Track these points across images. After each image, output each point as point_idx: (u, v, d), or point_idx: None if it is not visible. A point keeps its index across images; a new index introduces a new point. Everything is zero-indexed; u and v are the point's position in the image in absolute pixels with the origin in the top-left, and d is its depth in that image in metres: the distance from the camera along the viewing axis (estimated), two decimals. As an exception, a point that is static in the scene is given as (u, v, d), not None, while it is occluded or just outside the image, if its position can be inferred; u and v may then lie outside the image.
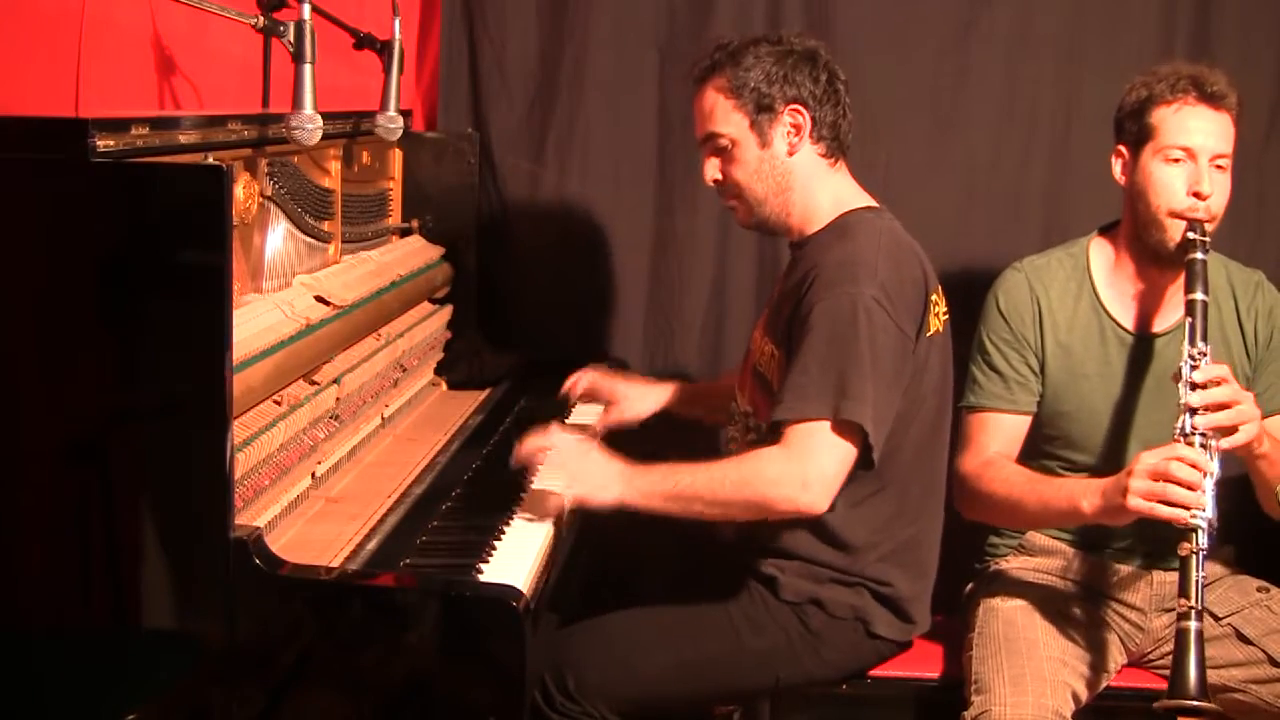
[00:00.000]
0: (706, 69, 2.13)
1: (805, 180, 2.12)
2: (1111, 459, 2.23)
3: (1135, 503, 1.95)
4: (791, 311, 2.04)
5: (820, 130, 2.11)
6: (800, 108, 2.09)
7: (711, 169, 2.15)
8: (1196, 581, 1.90)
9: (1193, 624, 1.89)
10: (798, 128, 2.10)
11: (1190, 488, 1.92)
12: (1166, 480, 1.93)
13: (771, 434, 2.01)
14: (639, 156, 2.95)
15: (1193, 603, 1.89)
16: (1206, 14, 2.83)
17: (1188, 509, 1.92)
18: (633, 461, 2.06)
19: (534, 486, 2.12)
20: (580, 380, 2.54)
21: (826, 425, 1.94)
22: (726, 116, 2.10)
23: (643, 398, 2.49)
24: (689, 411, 2.51)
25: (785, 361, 2.04)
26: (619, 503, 2.02)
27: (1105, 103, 2.76)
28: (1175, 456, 1.94)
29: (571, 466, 2.08)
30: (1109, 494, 2.00)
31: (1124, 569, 2.28)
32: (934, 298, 2.09)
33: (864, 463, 1.97)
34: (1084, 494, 2.05)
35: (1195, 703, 1.86)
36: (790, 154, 2.10)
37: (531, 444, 2.14)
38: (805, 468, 1.94)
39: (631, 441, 2.29)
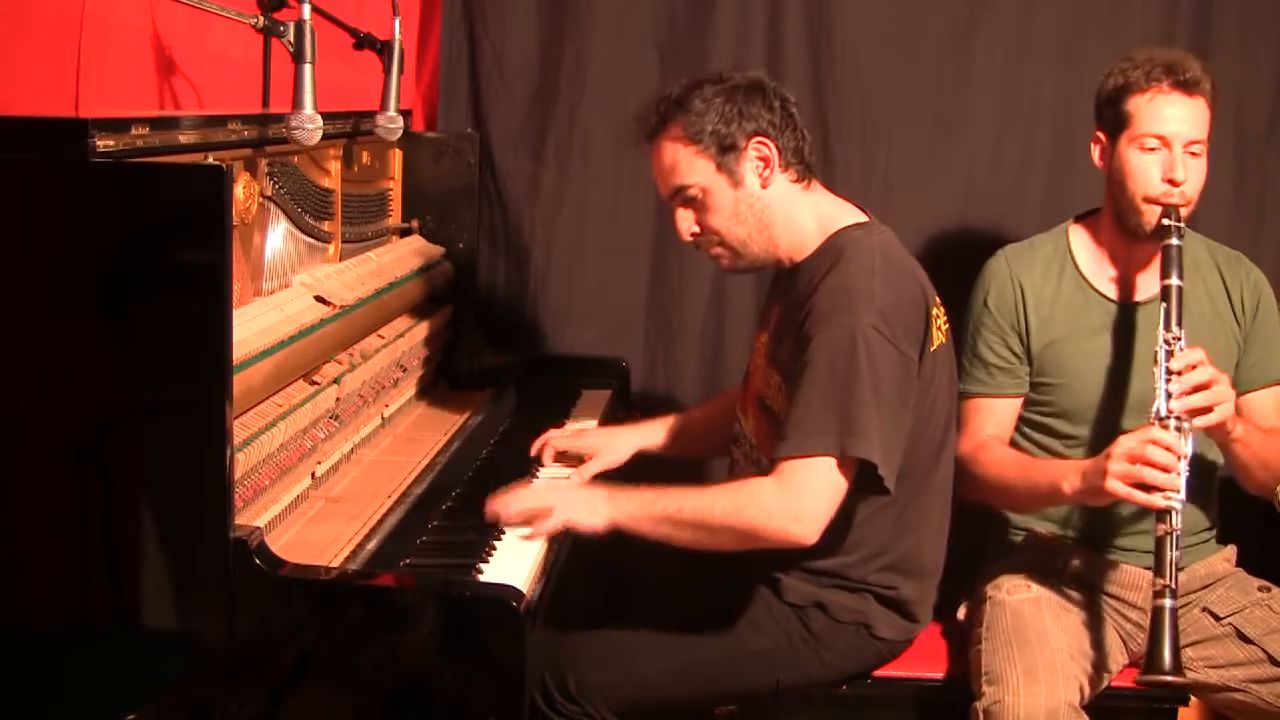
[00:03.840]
0: (657, 124, 2.08)
1: (785, 210, 2.09)
2: (1103, 429, 2.26)
3: (1113, 485, 2.01)
4: (793, 343, 2.02)
5: (787, 157, 2.08)
6: (764, 139, 2.05)
7: (686, 222, 2.11)
8: (1170, 561, 1.99)
9: (1167, 602, 1.97)
10: (765, 160, 2.06)
11: (1165, 470, 1.98)
12: (1143, 463, 1.99)
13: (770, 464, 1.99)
14: (639, 157, 2.95)
15: (1167, 581, 1.98)
16: (1207, 14, 2.83)
17: (1162, 491, 1.98)
18: (619, 486, 2.05)
19: (513, 536, 2.02)
20: (547, 446, 2.40)
21: (825, 461, 1.92)
22: (691, 166, 2.06)
23: (617, 443, 2.39)
24: (677, 450, 2.44)
25: (790, 394, 2.01)
26: (610, 524, 2.00)
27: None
28: (1150, 440, 2.00)
29: (556, 497, 2.05)
30: (1089, 476, 2.06)
31: (1126, 568, 2.28)
32: (934, 311, 2.07)
33: (880, 489, 1.96)
34: (1064, 475, 2.11)
35: (1169, 678, 1.94)
36: (764, 187, 2.07)
37: (505, 498, 2.06)
38: (799, 501, 1.92)
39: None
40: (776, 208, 2.08)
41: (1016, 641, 2.11)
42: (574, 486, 2.14)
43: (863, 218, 2.13)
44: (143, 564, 1.67)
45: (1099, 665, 2.16)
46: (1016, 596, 2.23)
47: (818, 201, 2.13)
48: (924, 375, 2.03)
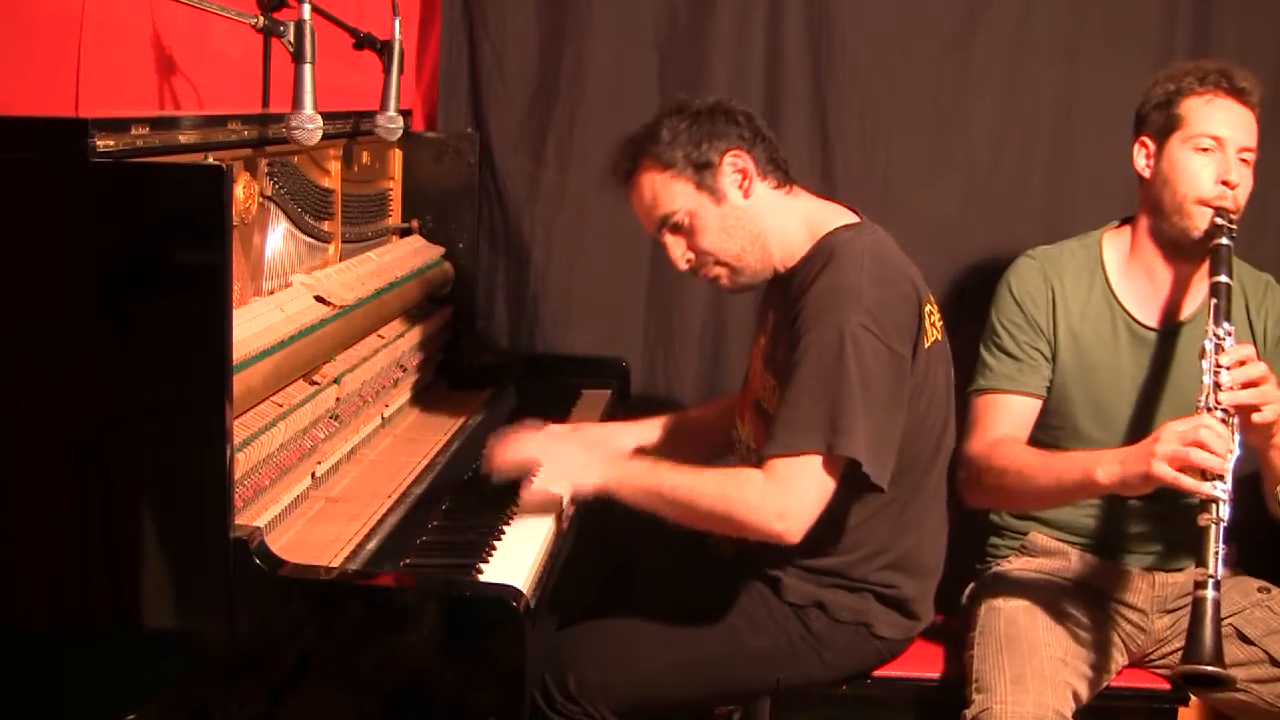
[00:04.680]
0: (630, 165, 2.11)
1: (773, 217, 2.10)
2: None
3: (1161, 469, 1.94)
4: (787, 345, 2.02)
5: (763, 166, 2.09)
6: (737, 152, 2.07)
7: (679, 250, 2.12)
8: (1215, 553, 1.91)
9: (1209, 593, 1.89)
10: (743, 172, 2.08)
11: (1217, 456, 1.92)
12: (1196, 446, 1.92)
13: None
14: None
15: (1210, 572, 1.89)
16: (1207, 14, 2.83)
17: (1211, 478, 1.92)
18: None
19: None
20: None
21: (812, 460, 1.93)
22: (671, 192, 2.08)
23: (614, 440, 2.40)
24: (673, 451, 2.40)
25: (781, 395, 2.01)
26: (602, 488, 2.03)
27: (1105, 103, 2.79)
28: (1205, 425, 1.94)
29: (552, 461, 2.08)
30: (1129, 462, 1.99)
31: (1127, 570, 2.28)
32: (928, 308, 2.08)
33: (874, 487, 1.96)
34: (1099, 463, 2.04)
35: (1210, 668, 1.86)
36: (747, 198, 2.08)
37: (503, 445, 2.13)
38: (784, 500, 1.93)
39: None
40: (764, 216, 2.09)
41: (1008, 649, 2.10)
42: (566, 444, 2.16)
43: (853, 218, 2.13)
44: (143, 564, 1.67)
45: (1097, 666, 2.16)
46: (1011, 603, 2.22)
47: (803, 205, 2.14)
48: (918, 371, 2.03)
